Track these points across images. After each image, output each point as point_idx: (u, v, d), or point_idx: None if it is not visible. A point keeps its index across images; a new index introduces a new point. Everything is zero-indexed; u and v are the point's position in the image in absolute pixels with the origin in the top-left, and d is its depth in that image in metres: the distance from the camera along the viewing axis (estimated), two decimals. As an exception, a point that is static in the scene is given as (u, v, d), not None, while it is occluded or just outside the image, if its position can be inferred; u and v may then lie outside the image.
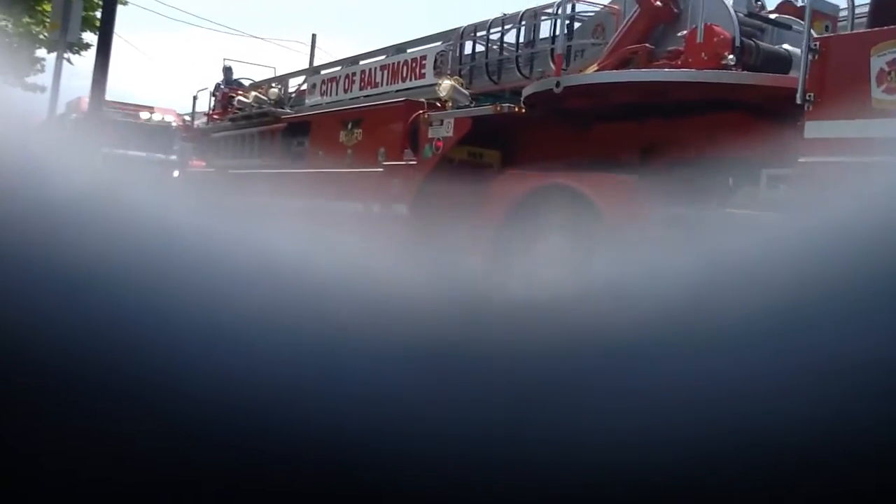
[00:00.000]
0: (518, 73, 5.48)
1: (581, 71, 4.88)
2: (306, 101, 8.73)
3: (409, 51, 7.28)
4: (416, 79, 6.90)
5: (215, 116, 10.54)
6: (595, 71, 4.56)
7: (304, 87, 8.89)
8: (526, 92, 4.73)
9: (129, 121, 17.01)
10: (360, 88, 7.73)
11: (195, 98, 11.51)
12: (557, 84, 4.32)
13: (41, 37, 19.72)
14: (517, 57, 5.47)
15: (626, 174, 4.12)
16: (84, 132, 14.78)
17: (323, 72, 8.64)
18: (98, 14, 13.50)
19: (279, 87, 9.16)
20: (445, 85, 5.39)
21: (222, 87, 11.20)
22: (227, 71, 11.38)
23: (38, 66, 22.34)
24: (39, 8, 18.05)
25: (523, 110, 4.80)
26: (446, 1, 72.64)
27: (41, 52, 21.33)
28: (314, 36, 12.51)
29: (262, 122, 8.88)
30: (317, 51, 12.59)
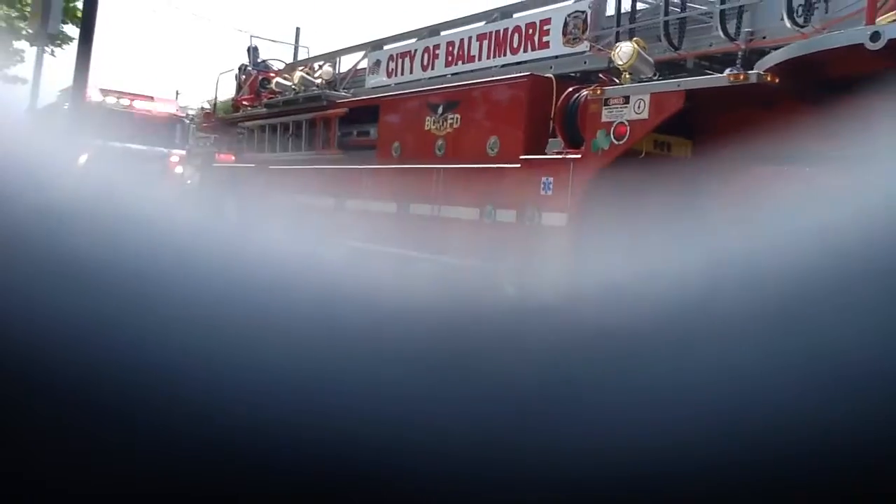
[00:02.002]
0: (721, 34, 3.97)
1: (824, 28, 3.42)
2: (367, 81, 7.19)
3: (516, 15, 5.76)
4: (535, 48, 5.40)
5: (245, 102, 8.97)
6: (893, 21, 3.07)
7: (364, 64, 7.34)
8: (789, 53, 3.23)
9: (128, 111, 15.29)
10: (447, 64, 6.21)
11: (217, 83, 9.95)
12: (875, 36, 2.80)
13: (22, 32, 18.78)
14: (722, 12, 3.96)
15: None
16: (80, 122, 13.17)
17: (388, 46, 7.10)
18: (79, 4, 13.02)
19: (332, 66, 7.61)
20: (626, 50, 3.88)
21: (250, 68, 9.64)
22: (254, 51, 9.80)
23: (18, 58, 21.31)
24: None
25: (776, 79, 3.30)
26: (441, -5, 71.33)
27: (21, 44, 20.41)
28: (298, 29, 11.24)
29: (310, 107, 7.34)
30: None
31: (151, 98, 16.01)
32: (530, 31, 5.43)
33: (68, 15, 16.81)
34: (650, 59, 3.98)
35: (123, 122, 14.69)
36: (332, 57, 7.83)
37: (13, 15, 17.99)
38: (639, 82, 3.93)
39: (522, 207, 4.34)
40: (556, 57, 5.21)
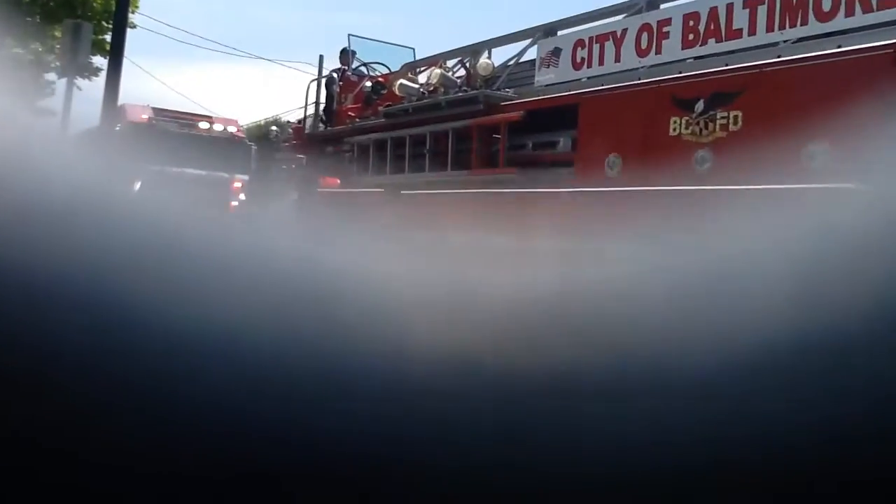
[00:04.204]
0: None
1: None
2: (539, 77, 5.40)
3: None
4: (869, 10, 3.57)
5: (350, 113, 7.24)
6: None
7: (532, 55, 5.57)
8: None
9: (184, 133, 13.64)
10: (686, 45, 4.40)
11: (307, 91, 8.23)
12: None
13: (51, 65, 18.42)
14: None
15: None
16: (140, 144, 11.63)
17: (566, 31, 5.31)
18: (108, 38, 13.29)
19: (485, 59, 5.82)
20: None
21: (349, 73, 7.94)
22: (349, 54, 8.09)
23: (49, 90, 20.97)
24: (51, 33, 16.47)
25: None
26: (461, 16, 70.13)
27: (50, 76, 19.95)
28: (321, 57, 9.54)
29: (457, 113, 5.58)
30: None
31: (209, 118, 14.40)
32: (859, -18, 3.61)
33: (97, 47, 16.06)
34: None
35: (179, 145, 13.08)
36: (478, 49, 6.05)
37: (41, 49, 17.43)
38: None
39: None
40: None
